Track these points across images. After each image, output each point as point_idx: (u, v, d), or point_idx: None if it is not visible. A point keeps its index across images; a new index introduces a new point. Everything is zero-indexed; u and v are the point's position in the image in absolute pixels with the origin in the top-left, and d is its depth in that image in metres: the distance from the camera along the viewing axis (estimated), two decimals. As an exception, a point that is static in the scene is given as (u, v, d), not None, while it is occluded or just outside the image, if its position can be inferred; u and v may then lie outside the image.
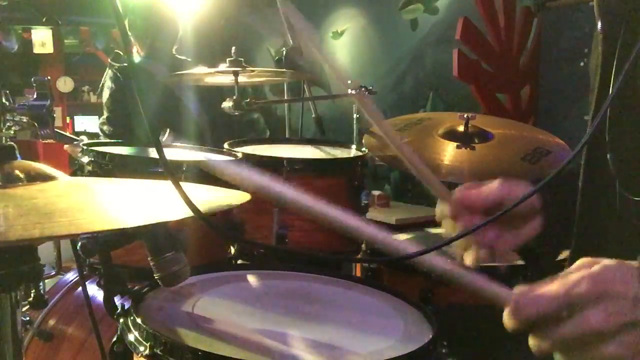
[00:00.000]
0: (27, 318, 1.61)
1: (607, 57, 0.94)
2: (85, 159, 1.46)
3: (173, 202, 0.76)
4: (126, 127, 2.77)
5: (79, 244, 1.04)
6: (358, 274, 1.92)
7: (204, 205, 0.77)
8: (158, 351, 0.89)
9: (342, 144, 2.01)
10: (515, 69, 3.23)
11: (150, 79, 2.52)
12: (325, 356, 0.92)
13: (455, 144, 1.62)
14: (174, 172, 0.76)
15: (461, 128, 1.66)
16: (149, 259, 1.01)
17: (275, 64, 2.57)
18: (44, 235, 0.64)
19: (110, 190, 0.97)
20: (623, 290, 0.66)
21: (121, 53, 2.94)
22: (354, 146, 1.96)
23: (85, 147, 1.50)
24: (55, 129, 2.24)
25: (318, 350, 0.93)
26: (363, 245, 1.68)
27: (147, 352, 0.90)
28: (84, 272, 1.33)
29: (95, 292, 1.45)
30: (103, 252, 1.06)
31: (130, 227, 0.70)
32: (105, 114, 2.88)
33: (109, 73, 2.92)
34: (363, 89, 1.99)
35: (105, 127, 2.85)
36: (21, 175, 0.84)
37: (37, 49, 7.08)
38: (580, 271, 0.69)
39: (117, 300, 1.08)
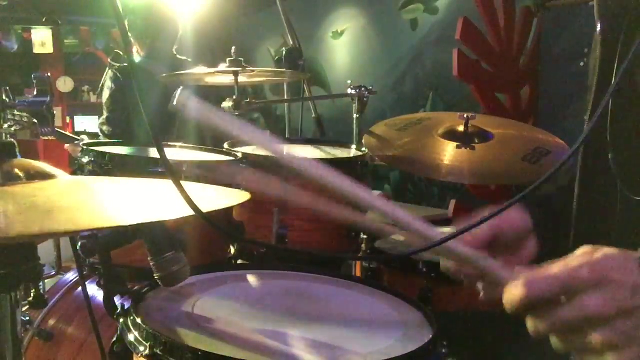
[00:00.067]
0: (27, 318, 1.61)
1: (605, 60, 0.95)
2: (85, 159, 1.46)
3: (173, 201, 0.76)
4: (126, 128, 2.78)
5: (79, 243, 1.04)
6: (358, 274, 1.92)
7: (204, 205, 0.77)
8: (158, 351, 0.89)
9: (342, 144, 2.01)
10: (515, 69, 3.24)
11: (150, 79, 2.51)
12: (325, 356, 0.92)
13: (455, 144, 1.62)
14: (175, 171, 0.76)
15: (461, 128, 1.66)
16: (149, 259, 1.01)
17: (275, 64, 2.57)
18: (44, 232, 0.64)
19: (111, 189, 0.97)
20: (622, 278, 0.67)
21: (121, 53, 2.95)
22: (354, 146, 1.96)
23: (85, 147, 1.50)
24: (56, 129, 2.25)
25: (318, 350, 0.93)
26: (363, 245, 1.68)
27: (147, 352, 0.90)
28: (84, 272, 1.33)
29: (95, 292, 1.45)
30: (103, 252, 1.06)
31: (130, 225, 0.70)
32: (105, 114, 2.88)
33: (109, 73, 2.92)
34: (363, 89, 2.00)
35: (105, 128, 2.85)
36: (20, 174, 0.84)
37: (37, 49, 7.08)
38: (582, 257, 0.70)
39: (117, 300, 1.08)
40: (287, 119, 2.75)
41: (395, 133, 1.75)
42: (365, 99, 2.00)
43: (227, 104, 1.91)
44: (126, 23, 2.88)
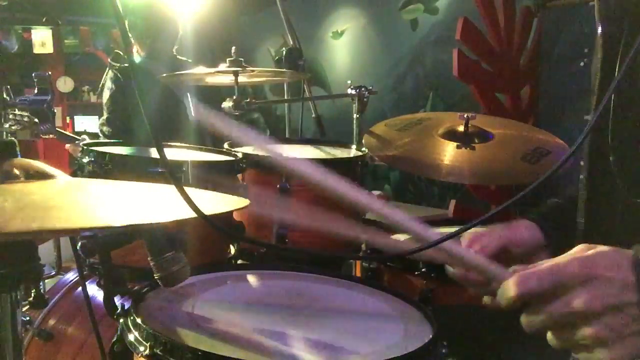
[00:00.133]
0: (27, 318, 1.61)
1: (607, 62, 0.95)
2: (86, 159, 1.46)
3: (174, 202, 0.76)
4: (126, 128, 2.77)
5: (79, 244, 1.04)
6: (358, 274, 1.92)
7: (204, 206, 0.77)
8: (158, 351, 0.89)
9: (342, 144, 2.01)
10: (515, 69, 3.24)
11: (150, 79, 2.51)
12: (325, 356, 0.92)
13: (455, 144, 1.62)
14: (175, 172, 0.76)
15: (461, 128, 1.66)
16: (149, 259, 1.01)
17: (275, 64, 2.56)
18: (44, 228, 0.64)
19: (110, 190, 0.97)
20: (610, 275, 0.68)
21: (121, 53, 2.94)
22: (354, 146, 1.96)
23: (85, 147, 1.50)
24: (56, 129, 2.25)
25: (318, 350, 0.93)
26: (363, 245, 1.68)
27: (147, 352, 0.90)
28: (84, 272, 1.33)
29: (95, 292, 1.45)
30: (103, 252, 1.06)
31: (130, 225, 0.69)
32: (105, 115, 2.88)
33: (109, 73, 2.92)
34: (363, 89, 2.00)
35: (105, 128, 2.84)
36: (19, 173, 0.84)
37: (37, 49, 7.08)
38: (574, 254, 0.72)
39: (117, 300, 1.08)
40: (287, 119, 2.75)
41: (395, 133, 1.75)
42: (365, 99, 2.00)
43: (227, 104, 1.91)
44: (126, 23, 2.88)
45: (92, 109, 7.50)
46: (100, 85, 3.02)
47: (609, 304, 0.67)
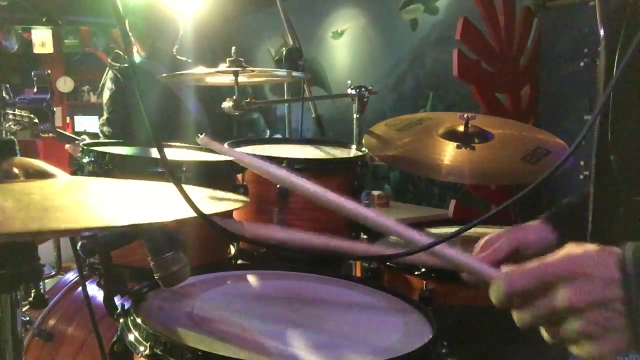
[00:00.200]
0: (27, 318, 1.61)
1: (610, 64, 0.95)
2: (86, 159, 1.46)
3: (174, 201, 0.76)
4: (126, 128, 2.77)
5: (79, 244, 1.04)
6: (358, 274, 1.92)
7: (204, 205, 0.77)
8: (158, 351, 0.89)
9: (342, 144, 2.01)
10: (515, 69, 3.23)
11: (150, 79, 2.51)
12: (325, 356, 0.92)
13: (455, 144, 1.62)
14: (174, 172, 0.76)
15: (461, 128, 1.66)
16: (149, 259, 1.01)
17: (275, 64, 2.56)
18: (44, 229, 0.64)
19: (110, 189, 0.97)
20: (595, 272, 0.70)
21: (121, 53, 2.94)
22: (354, 146, 1.96)
23: (85, 147, 1.50)
24: (56, 129, 2.24)
25: (318, 350, 0.93)
26: (363, 246, 1.68)
27: (147, 352, 0.90)
28: (84, 272, 1.33)
29: (95, 292, 1.45)
30: (103, 252, 1.06)
31: (130, 225, 0.69)
32: (105, 115, 2.87)
33: (109, 74, 2.91)
34: (363, 89, 2.00)
35: (105, 128, 2.84)
36: (19, 172, 0.84)
37: (37, 49, 7.08)
38: (562, 253, 0.74)
39: (117, 300, 1.08)
40: (287, 119, 2.75)
41: (395, 133, 1.75)
42: (365, 99, 2.00)
43: (227, 104, 1.91)
44: (126, 23, 2.88)
45: (92, 109, 7.50)
46: (100, 85, 3.01)
47: (593, 300, 0.69)
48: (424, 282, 1.44)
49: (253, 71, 1.96)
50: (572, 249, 0.75)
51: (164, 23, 2.94)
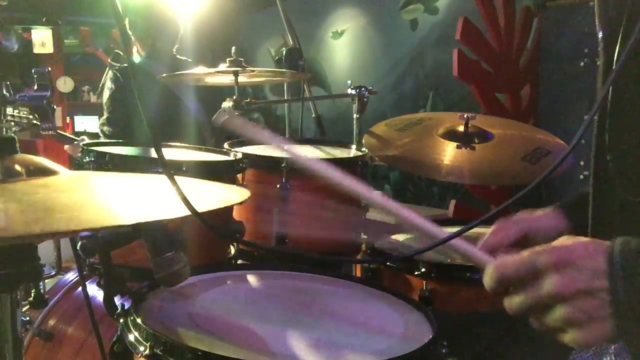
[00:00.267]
0: (27, 318, 1.61)
1: (608, 67, 0.95)
2: (86, 159, 1.46)
3: (173, 199, 0.76)
4: (126, 128, 2.77)
5: (79, 243, 1.04)
6: (358, 274, 1.92)
7: (203, 203, 0.77)
8: (158, 351, 0.89)
9: (342, 144, 2.01)
10: (515, 69, 3.24)
11: (150, 79, 2.51)
12: (325, 356, 0.92)
13: (455, 144, 1.62)
14: (173, 172, 0.76)
15: (461, 128, 1.66)
16: (149, 259, 1.01)
17: (275, 64, 2.57)
18: (45, 231, 0.64)
19: (111, 187, 0.97)
20: (583, 263, 0.72)
21: (121, 53, 2.94)
22: (354, 146, 1.96)
23: (85, 147, 1.50)
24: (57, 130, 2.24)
25: (318, 350, 0.93)
26: (363, 246, 1.68)
27: (147, 352, 0.90)
28: (84, 272, 1.33)
29: (95, 292, 1.45)
30: (103, 252, 1.06)
31: (131, 225, 0.69)
32: (105, 115, 2.87)
33: (109, 74, 2.91)
34: (363, 89, 2.00)
35: (105, 128, 2.84)
36: (21, 170, 0.84)
37: (37, 49, 7.08)
38: (553, 244, 0.77)
39: (117, 300, 1.08)
40: (287, 119, 2.75)
41: (395, 133, 1.75)
42: (365, 99, 2.00)
43: (227, 104, 1.91)
44: (126, 23, 2.88)
45: (92, 109, 7.50)
46: (100, 85, 3.01)
47: (580, 288, 0.71)
48: (424, 282, 1.44)
49: (253, 71, 1.96)
50: (563, 240, 0.77)
51: (164, 23, 2.94)
